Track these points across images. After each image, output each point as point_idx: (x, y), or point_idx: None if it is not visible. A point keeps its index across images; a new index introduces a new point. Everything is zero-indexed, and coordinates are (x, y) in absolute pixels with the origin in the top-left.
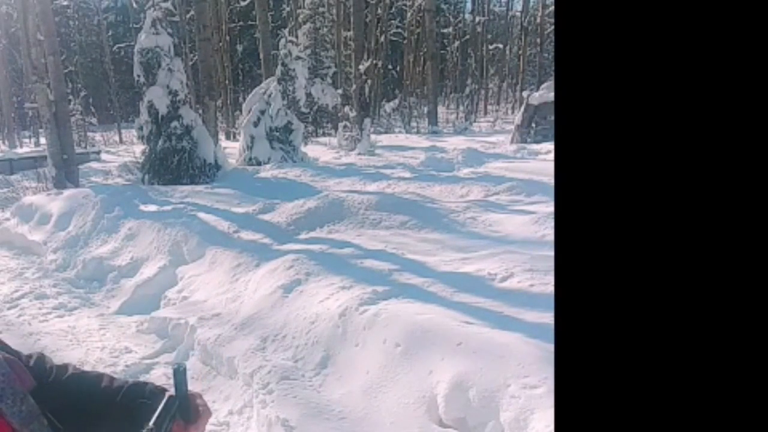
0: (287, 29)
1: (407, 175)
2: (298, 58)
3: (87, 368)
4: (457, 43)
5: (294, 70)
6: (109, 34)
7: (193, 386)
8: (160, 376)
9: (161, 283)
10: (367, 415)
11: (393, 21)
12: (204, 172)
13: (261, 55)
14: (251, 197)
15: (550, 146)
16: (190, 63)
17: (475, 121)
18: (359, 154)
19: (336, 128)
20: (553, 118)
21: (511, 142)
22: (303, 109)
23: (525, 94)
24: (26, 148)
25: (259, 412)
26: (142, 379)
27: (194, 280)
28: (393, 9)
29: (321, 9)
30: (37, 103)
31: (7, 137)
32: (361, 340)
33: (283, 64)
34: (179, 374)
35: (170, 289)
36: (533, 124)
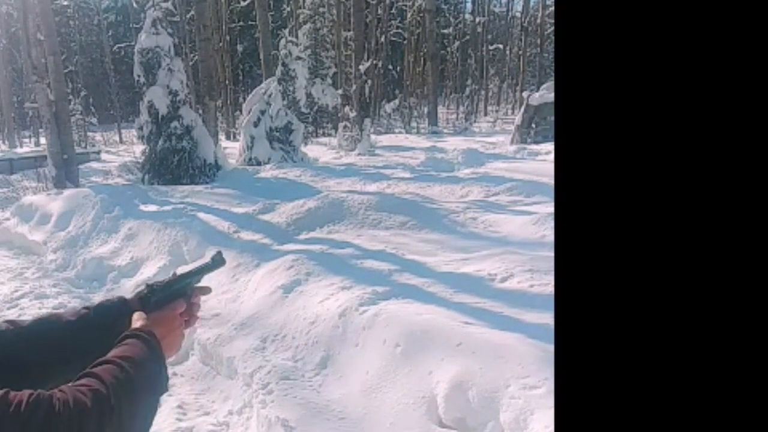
0: (287, 29)
1: (407, 175)
2: (298, 58)
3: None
4: (457, 43)
5: (294, 70)
6: (109, 34)
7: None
8: None
9: None
10: (367, 416)
11: (393, 21)
12: (204, 172)
13: (261, 55)
14: (251, 197)
15: (550, 147)
16: (190, 63)
17: (475, 122)
18: (359, 154)
19: (336, 128)
20: (553, 118)
21: (511, 142)
22: (303, 110)
23: (525, 94)
24: (26, 148)
25: (258, 412)
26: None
27: None
28: (393, 9)
29: (321, 9)
30: (37, 103)
31: (7, 137)
32: (361, 341)
33: (283, 65)
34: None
35: None
36: (533, 125)
